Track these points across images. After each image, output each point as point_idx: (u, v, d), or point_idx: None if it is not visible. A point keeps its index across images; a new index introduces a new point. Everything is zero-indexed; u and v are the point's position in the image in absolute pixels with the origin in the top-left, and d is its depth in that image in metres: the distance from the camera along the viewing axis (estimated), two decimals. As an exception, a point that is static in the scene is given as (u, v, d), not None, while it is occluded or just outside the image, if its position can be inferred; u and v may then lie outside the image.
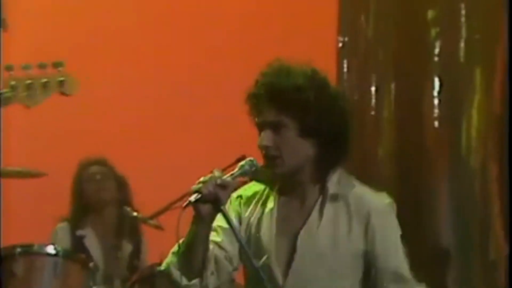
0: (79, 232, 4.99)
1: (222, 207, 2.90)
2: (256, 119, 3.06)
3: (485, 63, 5.50)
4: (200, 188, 2.83)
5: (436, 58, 5.49)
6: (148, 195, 5.13)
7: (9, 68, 3.43)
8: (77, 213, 5.06)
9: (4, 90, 3.47)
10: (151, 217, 4.76)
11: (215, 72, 6.14)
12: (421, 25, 5.59)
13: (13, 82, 3.44)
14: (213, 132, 5.98)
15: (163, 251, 4.39)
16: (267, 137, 2.99)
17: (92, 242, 5.02)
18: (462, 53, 5.51)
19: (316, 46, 5.54)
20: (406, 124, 5.61)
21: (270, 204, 3.09)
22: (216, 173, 2.90)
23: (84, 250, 4.89)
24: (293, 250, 3.05)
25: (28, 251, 4.39)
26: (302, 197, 3.08)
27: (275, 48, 5.16)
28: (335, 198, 3.07)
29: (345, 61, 5.60)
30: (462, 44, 5.48)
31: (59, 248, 4.50)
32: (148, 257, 5.04)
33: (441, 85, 5.50)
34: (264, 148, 2.98)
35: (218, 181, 2.87)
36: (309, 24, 5.89)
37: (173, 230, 4.66)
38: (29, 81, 3.46)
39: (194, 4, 6.32)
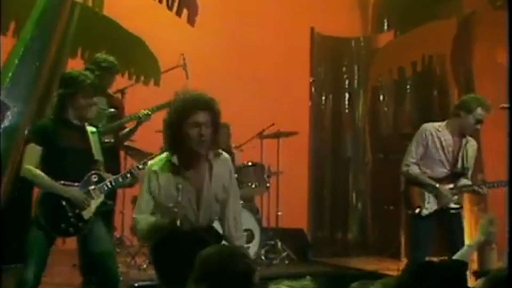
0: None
1: None
2: (192, 118, 2.43)
3: (364, 88, 5.89)
4: None
5: (346, 86, 5.92)
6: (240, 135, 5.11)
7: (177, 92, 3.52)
8: None
9: (161, 104, 3.72)
10: (239, 146, 5.07)
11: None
12: (340, 73, 5.92)
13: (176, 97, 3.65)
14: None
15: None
16: (204, 130, 2.43)
17: None
18: (355, 85, 5.93)
19: (298, 81, 5.74)
20: (336, 114, 5.92)
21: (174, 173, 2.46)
22: None
23: None
24: (200, 195, 2.47)
25: None
26: (198, 167, 2.50)
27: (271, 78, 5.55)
28: (212, 166, 2.50)
29: (313, 88, 5.74)
30: (355, 82, 5.91)
31: None
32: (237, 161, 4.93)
33: (349, 98, 5.95)
34: (202, 136, 2.43)
35: None
36: (295, 70, 5.74)
37: (248, 152, 5.07)
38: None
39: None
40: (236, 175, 2.58)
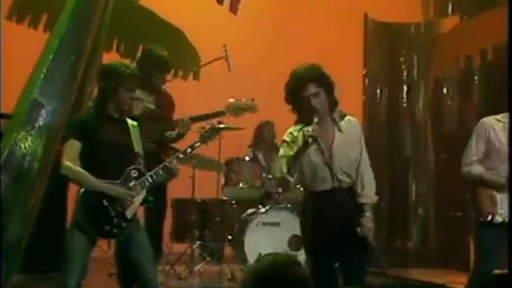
0: (255, 152, 5.15)
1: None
2: (302, 93, 2.85)
3: (425, 80, 5.82)
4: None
5: (404, 78, 5.84)
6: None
7: (231, 99, 3.95)
8: (255, 144, 5.25)
9: (224, 109, 3.95)
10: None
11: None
12: (398, 64, 5.86)
13: (230, 105, 3.97)
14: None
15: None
16: (314, 101, 2.87)
17: (261, 156, 5.16)
18: (415, 76, 5.84)
19: (350, 73, 5.65)
20: (393, 109, 5.89)
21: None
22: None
23: (258, 159, 5.07)
24: (331, 154, 2.91)
25: (238, 159, 4.81)
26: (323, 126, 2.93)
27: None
28: (340, 128, 2.97)
29: (366, 81, 5.79)
30: (415, 72, 5.84)
31: (249, 158, 4.89)
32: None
33: (408, 91, 5.87)
34: (314, 107, 2.86)
35: None
36: (347, 61, 5.73)
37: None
38: (236, 106, 4.01)
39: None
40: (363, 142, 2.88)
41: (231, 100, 3.98)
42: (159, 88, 4.10)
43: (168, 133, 4.04)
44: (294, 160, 2.88)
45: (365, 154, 3.03)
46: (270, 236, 4.58)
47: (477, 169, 3.51)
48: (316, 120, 2.85)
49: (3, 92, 3.93)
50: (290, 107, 2.97)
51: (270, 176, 4.89)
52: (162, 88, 4.14)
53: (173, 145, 4.32)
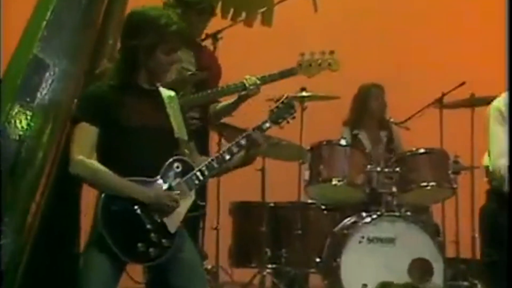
0: (355, 131, 5.26)
1: None
2: None
3: None
4: None
5: None
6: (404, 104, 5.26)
7: (302, 54, 3.96)
8: (355, 119, 5.30)
9: (294, 67, 3.97)
10: (402, 122, 5.12)
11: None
12: None
13: (300, 62, 3.97)
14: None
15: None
16: None
17: (363, 137, 5.25)
18: None
19: (491, 24, 5.53)
20: None
21: None
22: None
23: (359, 142, 5.17)
24: None
25: (330, 143, 4.81)
26: None
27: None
28: None
29: None
30: None
31: (346, 142, 4.90)
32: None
33: None
34: None
35: None
36: (485, 9, 5.86)
37: (416, 131, 4.97)
38: (310, 61, 3.95)
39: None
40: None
41: (303, 54, 3.91)
42: (197, 41, 4.06)
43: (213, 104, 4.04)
44: None
45: None
46: (380, 258, 4.48)
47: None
48: None
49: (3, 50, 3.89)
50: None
51: (379, 169, 4.71)
52: (200, 41, 4.11)
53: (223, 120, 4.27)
